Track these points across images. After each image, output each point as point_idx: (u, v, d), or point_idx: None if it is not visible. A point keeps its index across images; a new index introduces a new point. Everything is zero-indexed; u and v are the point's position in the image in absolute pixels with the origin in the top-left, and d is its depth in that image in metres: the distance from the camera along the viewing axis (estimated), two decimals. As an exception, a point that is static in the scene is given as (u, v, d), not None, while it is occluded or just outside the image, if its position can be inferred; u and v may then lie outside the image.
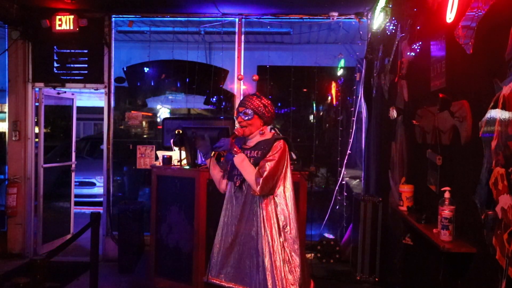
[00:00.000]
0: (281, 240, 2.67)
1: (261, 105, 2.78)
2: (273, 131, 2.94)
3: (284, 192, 2.74)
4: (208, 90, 6.41)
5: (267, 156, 2.69)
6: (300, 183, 4.00)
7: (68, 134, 6.36)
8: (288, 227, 2.70)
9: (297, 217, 2.77)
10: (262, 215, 2.68)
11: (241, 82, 5.70)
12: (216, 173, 2.96)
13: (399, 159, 3.87)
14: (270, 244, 2.64)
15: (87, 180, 8.27)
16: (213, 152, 2.86)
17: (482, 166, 2.15)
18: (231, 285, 2.75)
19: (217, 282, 2.78)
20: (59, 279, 4.72)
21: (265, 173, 2.63)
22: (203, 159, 3.03)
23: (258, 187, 2.62)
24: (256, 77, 5.55)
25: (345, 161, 5.62)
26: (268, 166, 2.64)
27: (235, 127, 2.91)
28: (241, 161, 2.71)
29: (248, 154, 2.78)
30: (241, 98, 5.73)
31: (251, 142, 2.83)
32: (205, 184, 4.03)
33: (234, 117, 2.71)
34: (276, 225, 2.68)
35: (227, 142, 2.72)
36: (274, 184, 2.70)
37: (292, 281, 2.63)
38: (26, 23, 5.49)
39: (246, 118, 2.77)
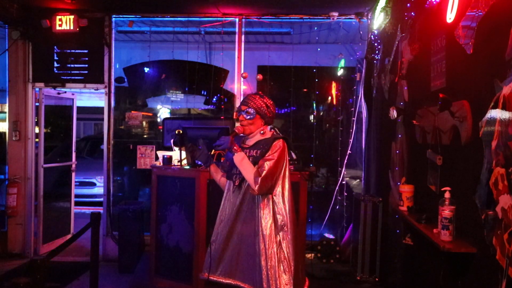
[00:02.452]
0: (278, 239, 2.67)
1: (264, 105, 2.77)
2: (272, 130, 2.93)
3: (282, 192, 2.73)
4: (208, 90, 6.42)
5: (266, 155, 2.68)
6: (300, 183, 4.00)
7: (68, 134, 6.36)
8: (286, 227, 2.70)
9: (294, 218, 2.76)
10: (259, 215, 2.68)
11: (242, 82, 5.71)
12: (219, 178, 2.97)
13: (399, 159, 3.87)
14: (267, 243, 2.64)
15: (87, 180, 8.27)
16: (212, 151, 2.84)
17: (482, 166, 2.15)
18: (229, 281, 2.75)
19: (215, 279, 2.78)
20: (59, 279, 4.72)
21: (264, 173, 2.61)
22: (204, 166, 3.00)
23: (257, 186, 2.61)
24: (260, 76, 5.57)
25: (345, 161, 5.62)
26: (267, 165, 2.63)
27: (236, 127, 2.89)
28: (241, 159, 2.70)
29: (247, 153, 2.77)
30: (241, 98, 5.79)
31: (251, 141, 2.83)
32: (205, 184, 4.02)
33: (234, 119, 2.71)
34: (273, 225, 2.68)
35: (227, 140, 2.72)
36: (273, 183, 2.69)
37: (287, 281, 2.63)
38: (26, 23, 5.49)
39: (248, 117, 2.76)
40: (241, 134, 2.85)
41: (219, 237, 2.81)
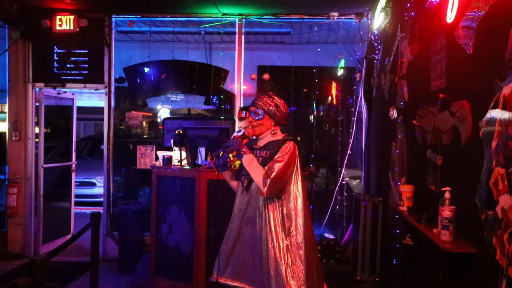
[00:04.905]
0: (286, 244, 2.61)
1: (273, 104, 2.73)
2: (285, 133, 2.87)
3: (292, 195, 2.66)
4: (208, 90, 6.41)
5: (276, 157, 2.63)
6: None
7: (68, 134, 6.36)
8: (294, 231, 2.63)
9: (306, 222, 2.67)
10: (267, 218, 2.63)
11: (242, 82, 5.71)
12: (235, 184, 2.91)
13: (399, 159, 3.87)
14: (275, 247, 2.59)
15: (87, 180, 8.27)
16: (221, 152, 2.81)
17: (482, 166, 2.15)
18: (236, 284, 2.72)
19: (222, 281, 2.76)
20: (59, 279, 4.72)
21: (273, 174, 2.56)
22: (210, 163, 2.94)
23: (266, 188, 2.56)
24: (254, 76, 5.56)
25: (345, 161, 5.62)
26: (277, 167, 2.58)
27: (237, 128, 2.86)
28: (250, 161, 2.66)
29: (257, 154, 2.73)
30: (241, 98, 5.80)
31: (262, 142, 2.79)
32: (205, 184, 4.03)
33: (236, 118, 2.68)
34: (280, 228, 2.61)
35: (236, 143, 2.68)
36: (283, 186, 2.63)
37: (295, 287, 2.57)
38: (26, 23, 5.49)
39: (257, 118, 2.72)
40: (252, 137, 2.80)
41: (228, 238, 2.79)
